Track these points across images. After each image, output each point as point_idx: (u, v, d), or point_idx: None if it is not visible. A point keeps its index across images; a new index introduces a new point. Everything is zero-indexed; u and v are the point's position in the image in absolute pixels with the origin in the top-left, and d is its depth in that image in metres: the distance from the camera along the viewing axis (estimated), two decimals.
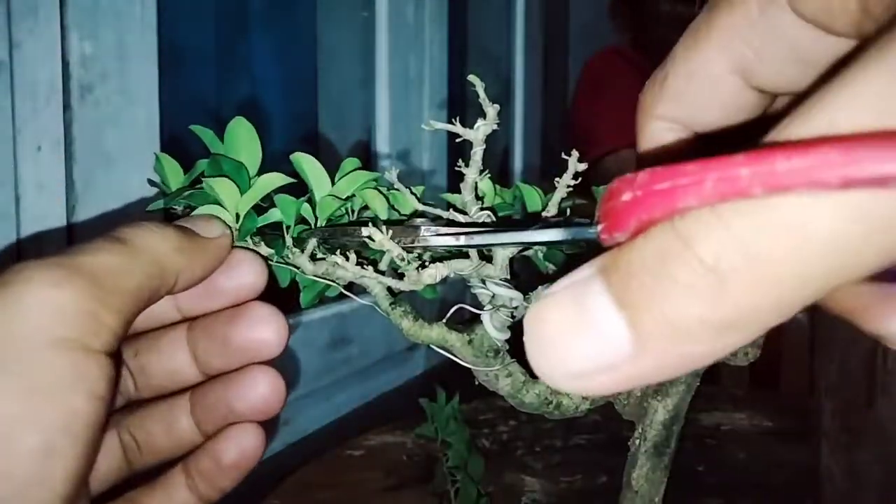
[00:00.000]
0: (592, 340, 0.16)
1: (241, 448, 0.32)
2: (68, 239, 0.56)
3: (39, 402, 0.22)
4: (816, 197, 0.14)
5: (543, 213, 0.34)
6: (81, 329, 0.23)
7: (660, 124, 0.24)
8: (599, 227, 0.17)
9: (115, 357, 0.25)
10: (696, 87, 0.23)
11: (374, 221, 0.34)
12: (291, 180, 0.34)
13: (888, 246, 0.14)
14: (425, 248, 0.32)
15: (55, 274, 0.23)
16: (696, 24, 0.23)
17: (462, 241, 0.30)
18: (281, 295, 0.38)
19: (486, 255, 0.35)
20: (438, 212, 0.36)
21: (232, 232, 0.32)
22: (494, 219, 0.34)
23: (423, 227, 0.32)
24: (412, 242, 0.31)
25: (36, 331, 0.22)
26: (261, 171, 0.34)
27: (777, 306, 0.15)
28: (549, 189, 0.35)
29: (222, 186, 0.32)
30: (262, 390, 0.33)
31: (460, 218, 0.34)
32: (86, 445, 0.23)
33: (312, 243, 0.34)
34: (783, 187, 0.14)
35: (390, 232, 0.31)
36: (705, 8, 0.22)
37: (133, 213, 0.59)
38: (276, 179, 0.33)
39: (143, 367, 0.33)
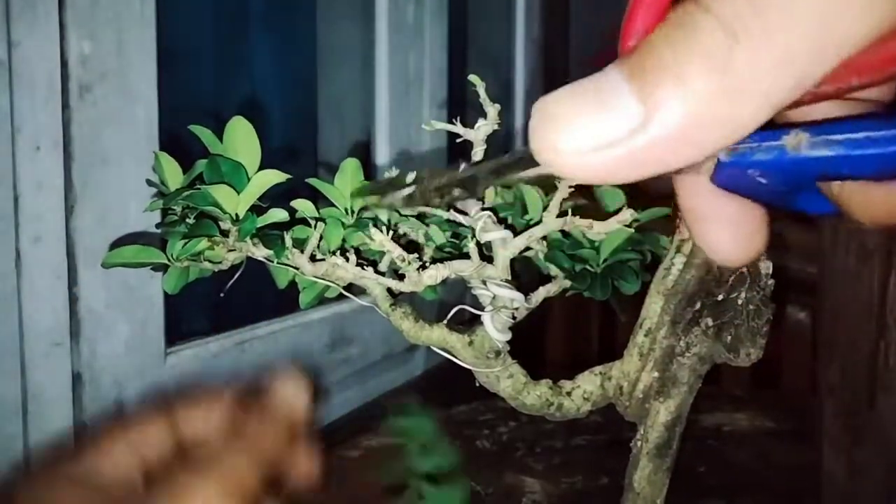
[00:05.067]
0: (602, 113, 0.16)
1: None
2: (67, 239, 0.56)
3: None
4: None
5: None
6: None
7: None
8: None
9: None
10: None
11: (376, 221, 0.34)
12: (287, 176, 0.34)
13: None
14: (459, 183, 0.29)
15: None
16: None
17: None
18: (281, 295, 0.38)
19: (486, 256, 0.35)
20: (439, 212, 0.35)
21: None
22: (495, 220, 0.34)
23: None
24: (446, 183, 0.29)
25: None
26: (260, 170, 0.34)
27: (784, 72, 0.16)
28: (549, 190, 0.35)
29: (220, 192, 0.32)
30: None
31: (461, 218, 0.34)
32: None
33: (313, 243, 0.34)
34: None
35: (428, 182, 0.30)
36: None
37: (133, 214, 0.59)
38: (272, 177, 0.33)
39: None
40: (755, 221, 0.23)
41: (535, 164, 0.25)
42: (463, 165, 0.31)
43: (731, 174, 0.20)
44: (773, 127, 0.19)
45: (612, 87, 0.17)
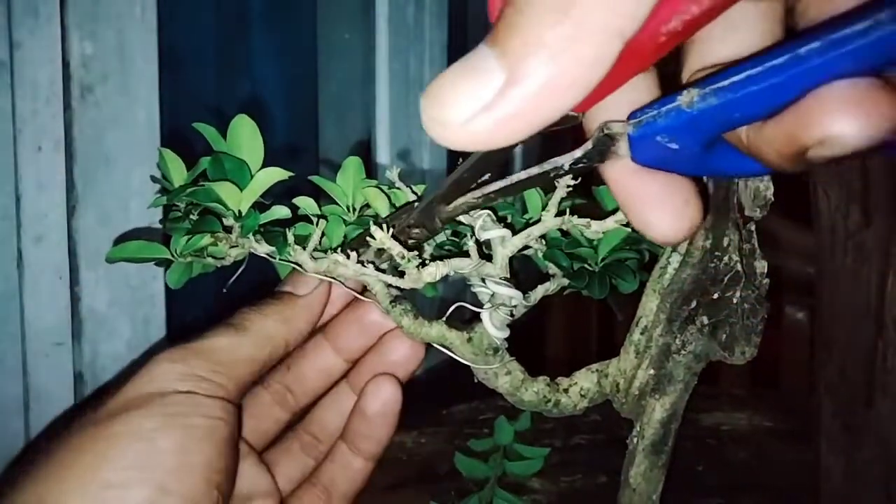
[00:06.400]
0: (471, 81, 0.18)
1: (381, 399, 0.39)
2: (69, 239, 0.56)
3: (172, 421, 0.33)
4: None
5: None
6: (190, 384, 0.34)
7: None
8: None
9: (230, 400, 0.35)
10: None
11: (376, 220, 0.35)
12: (290, 174, 0.34)
13: None
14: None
15: (176, 354, 0.34)
16: None
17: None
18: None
19: (485, 254, 0.35)
20: None
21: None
22: (494, 219, 0.34)
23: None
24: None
25: (163, 386, 0.33)
26: (263, 168, 0.34)
27: (611, 9, 0.17)
28: (548, 189, 0.35)
29: (223, 188, 0.32)
30: (402, 351, 0.39)
31: (461, 217, 0.34)
32: (215, 446, 0.33)
33: (314, 240, 0.34)
34: None
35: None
36: None
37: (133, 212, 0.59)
38: (275, 175, 0.34)
39: (298, 376, 0.41)
40: (682, 193, 0.24)
41: (475, 171, 0.26)
42: (416, 203, 0.33)
43: (644, 148, 0.21)
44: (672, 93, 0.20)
45: (480, 58, 0.18)
